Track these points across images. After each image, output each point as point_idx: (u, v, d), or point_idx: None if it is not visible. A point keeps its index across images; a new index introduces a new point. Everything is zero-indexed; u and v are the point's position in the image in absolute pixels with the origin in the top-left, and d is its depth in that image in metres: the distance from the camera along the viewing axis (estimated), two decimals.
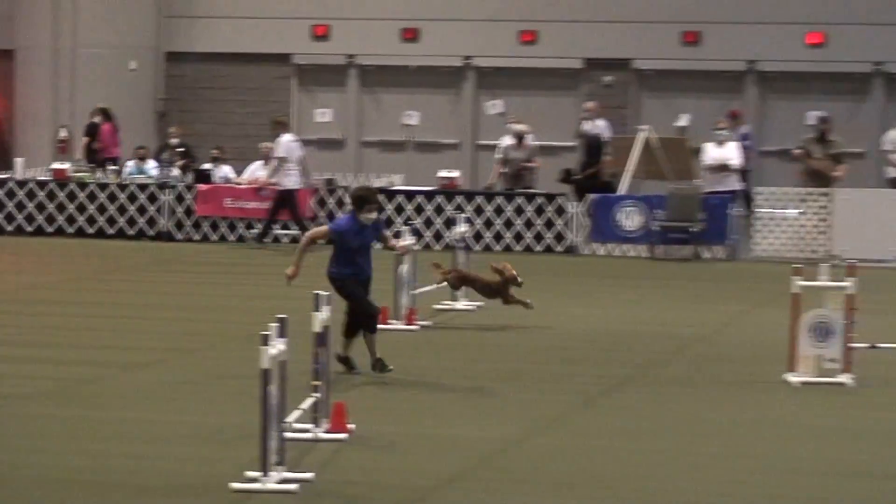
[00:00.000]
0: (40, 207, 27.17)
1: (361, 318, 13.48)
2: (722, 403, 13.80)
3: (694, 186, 25.72)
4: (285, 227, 25.21)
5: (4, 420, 11.68)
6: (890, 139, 27.95)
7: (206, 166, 28.03)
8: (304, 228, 23.07)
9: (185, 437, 11.27)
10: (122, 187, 26.95)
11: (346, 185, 27.82)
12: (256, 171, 26.35)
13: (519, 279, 15.22)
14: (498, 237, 26.55)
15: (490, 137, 30.53)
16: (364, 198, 13.82)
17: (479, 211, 26.33)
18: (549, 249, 26.18)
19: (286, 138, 24.58)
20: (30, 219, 26.93)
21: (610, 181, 26.89)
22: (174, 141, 29.09)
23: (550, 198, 26.19)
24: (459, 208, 25.13)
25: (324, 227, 14.06)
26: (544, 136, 28.89)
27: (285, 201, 24.71)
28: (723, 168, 25.41)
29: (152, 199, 26.49)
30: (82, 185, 27.06)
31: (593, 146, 27.33)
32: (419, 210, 26.03)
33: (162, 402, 12.29)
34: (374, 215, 13.63)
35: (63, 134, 30.87)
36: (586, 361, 16.47)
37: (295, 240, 25.34)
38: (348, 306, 13.44)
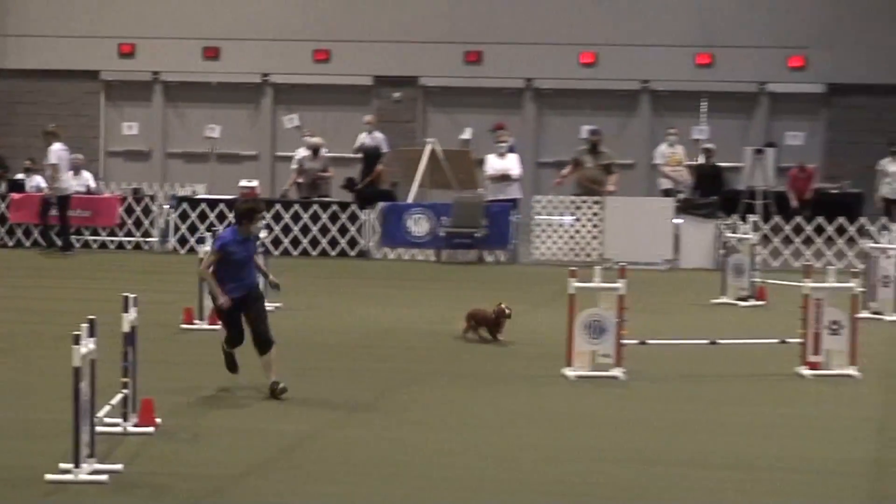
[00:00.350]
0: None
1: (254, 340, 12.89)
2: (506, 396, 13.99)
3: (477, 195, 25.91)
4: (95, 232, 24.46)
5: None
6: (660, 153, 28.57)
7: (20, 176, 27.85)
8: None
9: (1, 432, 11.15)
10: None
11: (153, 193, 27.81)
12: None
13: (507, 311, 15.40)
14: (295, 242, 26.46)
15: (287, 149, 30.81)
16: (252, 210, 13.33)
17: (277, 218, 26.15)
18: (343, 254, 26.31)
19: (56, 147, 24.13)
20: None
21: (389, 190, 27.40)
22: None
23: (344, 206, 26.28)
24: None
25: (212, 256, 13.28)
26: (337, 148, 29.10)
27: (61, 206, 24.46)
28: (504, 178, 25.57)
29: None
30: None
31: (371, 157, 27.56)
32: (221, 217, 25.51)
33: None
34: (261, 225, 13.50)
35: None
36: (378, 358, 16.45)
37: (104, 245, 26.04)
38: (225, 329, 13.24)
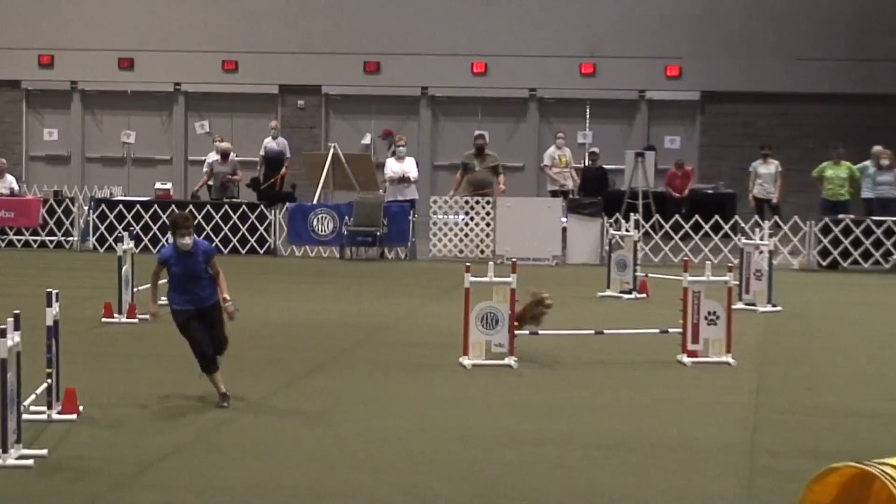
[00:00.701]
0: None
1: (197, 358, 12.46)
2: (407, 384, 14.17)
3: (377, 196, 25.98)
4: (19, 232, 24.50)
5: None
6: (548, 155, 28.65)
7: None
8: None
9: None
10: None
11: (72, 196, 27.46)
12: None
13: (546, 300, 14.65)
14: (208, 241, 26.27)
15: (198, 154, 30.86)
16: (174, 223, 12.61)
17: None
18: (252, 251, 26.27)
19: None
20: None
21: (290, 191, 27.57)
22: None
23: (253, 206, 26.19)
24: None
25: (155, 266, 12.86)
26: (245, 153, 28.87)
27: None
28: (403, 180, 25.78)
29: None
30: None
31: (274, 161, 27.54)
32: (137, 218, 25.55)
33: None
34: (187, 241, 12.13)
35: None
36: (287, 349, 16.53)
37: (28, 243, 26.06)
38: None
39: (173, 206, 25.87)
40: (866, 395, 13.83)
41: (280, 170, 27.15)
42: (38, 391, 11.07)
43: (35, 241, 25.88)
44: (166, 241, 21.80)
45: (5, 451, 9.69)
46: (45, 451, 9.98)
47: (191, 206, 25.58)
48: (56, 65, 32.54)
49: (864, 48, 31.37)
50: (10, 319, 9.78)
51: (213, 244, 24.26)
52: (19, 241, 26.13)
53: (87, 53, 32.35)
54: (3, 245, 26.46)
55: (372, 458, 10.62)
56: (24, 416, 10.28)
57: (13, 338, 9.65)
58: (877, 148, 26.30)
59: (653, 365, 15.37)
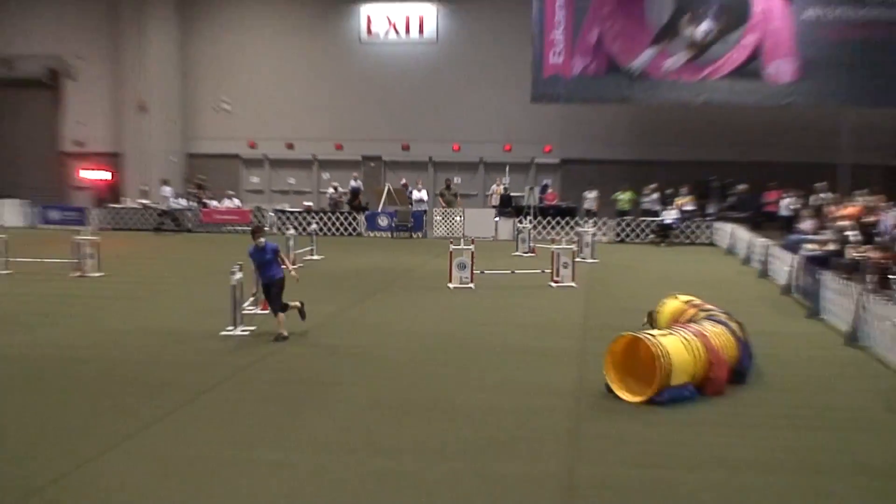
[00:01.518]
0: None
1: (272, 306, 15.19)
2: (422, 295, 19.63)
3: (408, 208, 35.06)
4: None
5: None
6: (491, 188, 36.62)
7: None
8: None
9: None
10: None
11: (264, 208, 35.88)
12: None
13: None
14: (334, 229, 33.45)
15: (323, 188, 38.49)
16: (254, 230, 15.61)
17: (323, 219, 33.44)
18: (349, 234, 33.82)
19: None
20: None
21: (366, 206, 36.29)
22: None
23: (350, 212, 34.22)
24: None
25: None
26: (345, 187, 36.48)
27: None
28: (420, 201, 35.99)
29: None
30: None
31: (355, 191, 36.64)
32: (296, 219, 33.33)
33: None
34: (260, 241, 15.21)
35: None
36: (363, 280, 22.56)
37: (243, 233, 29.58)
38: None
39: (312, 213, 34.69)
40: (637, 300, 18.45)
41: (359, 196, 36.89)
42: (251, 299, 16.17)
43: (245, 230, 31.42)
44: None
45: (235, 326, 14.98)
46: (254, 327, 15.29)
47: (320, 213, 34.56)
48: (259, 146, 41.24)
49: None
50: (237, 265, 15.18)
51: (334, 229, 31.98)
52: (238, 231, 34.20)
53: (270, 141, 41.39)
54: (230, 232, 34.47)
55: (409, 325, 16.28)
56: (243, 312, 15.45)
57: (237, 275, 15.03)
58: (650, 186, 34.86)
59: (537, 287, 20.89)
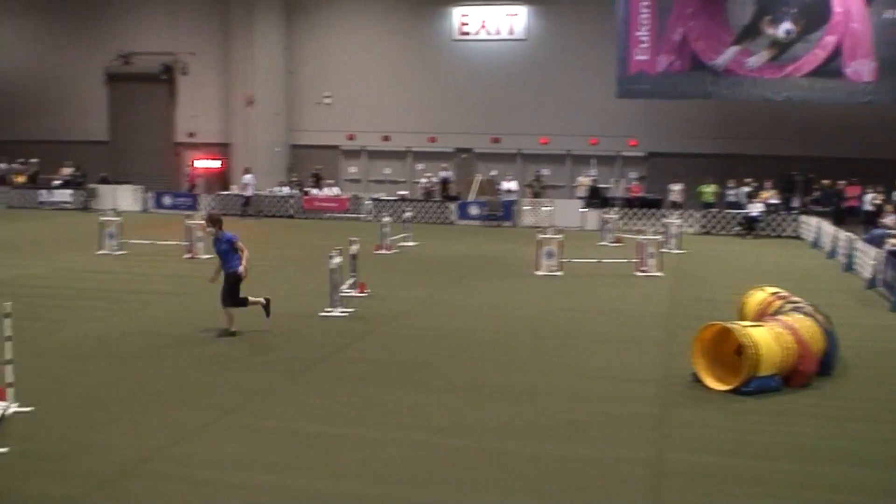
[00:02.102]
0: None
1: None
2: (512, 282, 19.87)
3: (497, 198, 35.69)
4: None
5: None
6: (578, 179, 36.37)
7: None
8: None
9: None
10: None
11: (362, 196, 36.21)
12: None
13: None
14: (422, 216, 33.82)
15: (415, 178, 39.07)
16: (207, 219, 15.15)
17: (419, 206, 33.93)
18: (441, 223, 34.02)
19: None
20: None
21: (457, 195, 36.61)
22: None
23: (442, 201, 34.49)
24: None
25: None
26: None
27: None
28: (509, 192, 36.13)
29: None
30: None
31: (445, 181, 37.32)
32: (390, 206, 33.32)
33: None
34: (214, 231, 14.44)
35: None
36: (456, 266, 22.74)
37: (337, 219, 33.82)
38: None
39: (407, 201, 34.73)
40: (723, 291, 18.70)
41: (448, 186, 37.40)
42: (349, 282, 16.95)
43: (342, 217, 35.22)
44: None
45: (333, 307, 15.54)
46: (352, 309, 15.76)
47: (414, 202, 34.84)
48: (357, 138, 41.66)
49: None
50: (336, 250, 15.65)
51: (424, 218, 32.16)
52: (337, 218, 34.88)
53: (368, 133, 41.60)
54: (330, 219, 35.26)
55: (497, 311, 16.80)
56: (341, 294, 15.84)
57: (336, 259, 15.41)
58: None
59: (622, 276, 21.05)
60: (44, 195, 39.68)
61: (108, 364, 12.60)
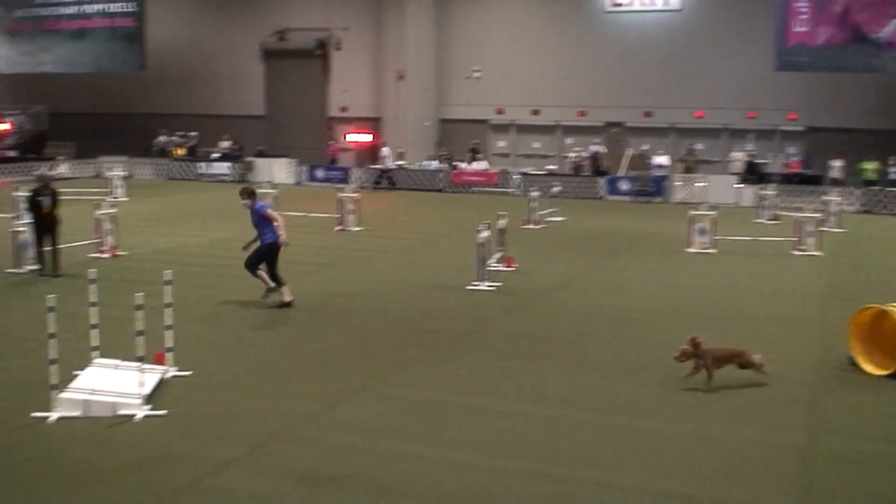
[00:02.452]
0: None
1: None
2: (662, 259, 19.90)
3: (648, 173, 35.21)
4: None
5: None
6: (731, 155, 35.04)
7: None
8: None
9: None
10: None
11: (510, 171, 36.32)
12: None
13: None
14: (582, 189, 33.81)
15: (564, 152, 38.84)
16: (241, 191, 14.96)
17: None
18: (589, 198, 33.56)
19: None
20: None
21: (606, 170, 36.09)
22: None
23: (593, 176, 34.24)
24: None
25: None
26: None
27: None
28: (660, 166, 35.59)
29: None
30: None
31: (595, 156, 36.68)
32: (540, 181, 32.90)
33: None
34: (246, 202, 14.56)
35: None
36: (606, 243, 22.65)
37: (492, 193, 33.89)
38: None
39: (555, 175, 34.66)
40: (884, 273, 18.73)
41: (599, 161, 36.40)
42: (496, 256, 17.33)
43: (490, 191, 35.34)
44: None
45: (481, 281, 15.92)
46: (499, 283, 16.07)
47: (563, 176, 34.85)
48: (506, 112, 41.49)
49: None
50: (483, 224, 16.10)
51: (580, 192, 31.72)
52: (485, 191, 35.10)
53: (517, 107, 41.56)
54: (478, 192, 35.19)
55: (646, 288, 16.69)
56: (488, 268, 16.30)
57: (484, 233, 15.91)
58: None
59: (779, 255, 20.90)
60: (202, 167, 41.05)
61: (261, 332, 13.09)
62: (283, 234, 14.05)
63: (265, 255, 14.15)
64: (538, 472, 8.03)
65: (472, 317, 13.85)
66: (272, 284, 14.17)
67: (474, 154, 38.32)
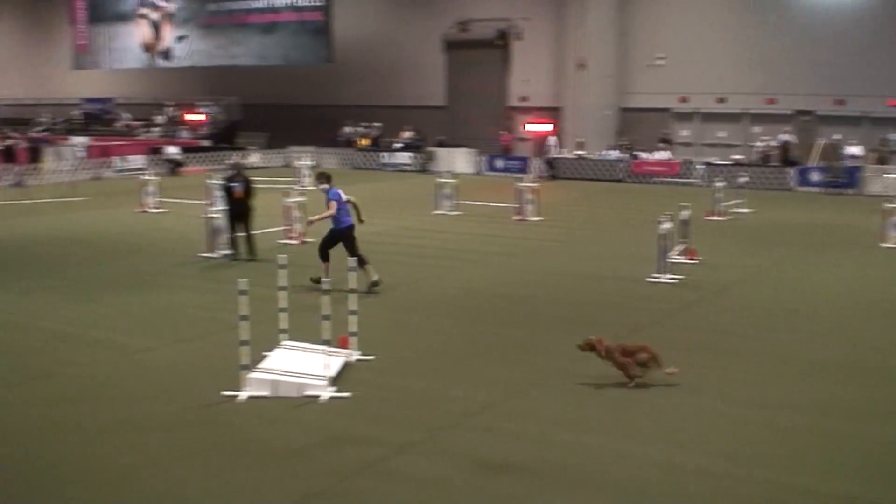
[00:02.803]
0: None
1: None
2: (852, 254, 19.43)
3: (840, 163, 33.74)
4: None
5: None
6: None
7: None
8: None
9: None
10: None
11: (692, 161, 35.73)
12: None
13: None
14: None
15: (749, 142, 37.12)
16: (317, 176, 15.90)
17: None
18: (776, 189, 32.70)
19: None
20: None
21: (795, 159, 34.86)
22: None
23: (782, 166, 33.36)
24: None
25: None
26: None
27: None
28: (855, 157, 33.76)
29: None
30: None
31: (785, 145, 35.26)
32: (726, 170, 32.45)
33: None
34: (324, 186, 15.14)
35: None
36: (776, 237, 22.13)
37: (674, 185, 33.04)
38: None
39: (742, 166, 33.39)
40: None
41: (789, 151, 35.24)
42: (678, 248, 16.93)
43: (672, 182, 34.79)
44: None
45: (661, 273, 15.59)
46: (681, 276, 15.74)
47: (749, 166, 33.41)
48: (689, 100, 40.06)
49: None
50: (666, 215, 15.98)
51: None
52: (666, 182, 34.42)
53: (701, 95, 39.39)
54: (659, 183, 34.69)
55: (832, 284, 16.17)
56: (669, 260, 15.89)
57: (666, 224, 15.84)
58: None
59: None
60: (385, 157, 42.02)
61: (441, 319, 13.34)
62: (314, 218, 14.99)
63: (335, 240, 14.75)
64: (723, 473, 7.85)
65: (651, 309, 13.70)
66: (375, 277, 14.65)
67: (664, 143, 37.64)
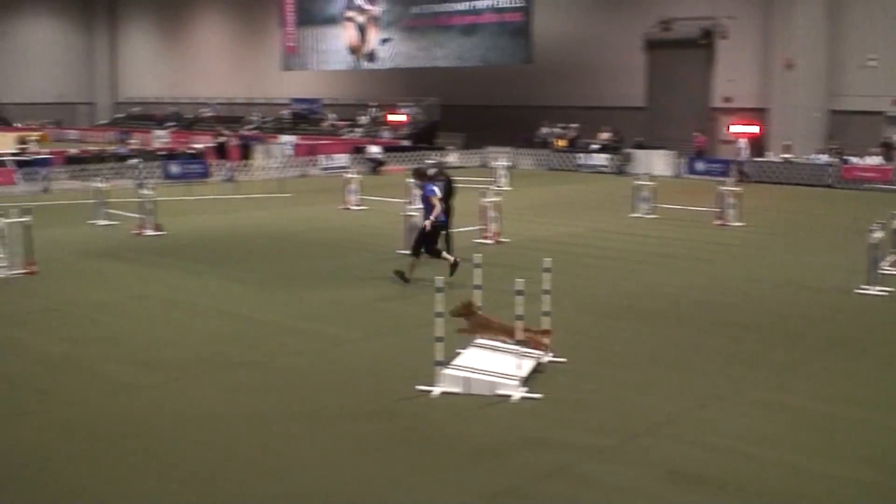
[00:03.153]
0: None
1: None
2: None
3: None
4: None
5: None
6: None
7: None
8: None
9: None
10: None
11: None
12: None
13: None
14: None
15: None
16: (413, 173, 17.02)
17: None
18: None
19: None
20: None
21: None
22: None
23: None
24: None
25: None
26: None
27: None
28: None
29: None
30: None
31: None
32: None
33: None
34: (418, 183, 16.06)
35: None
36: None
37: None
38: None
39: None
40: None
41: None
42: (890, 259, 16.57)
43: (886, 189, 32.75)
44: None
45: (871, 285, 14.89)
46: (893, 289, 14.92)
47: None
48: None
49: None
50: (877, 224, 15.33)
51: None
52: (879, 189, 33.07)
53: None
54: (871, 190, 33.25)
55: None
56: (881, 271, 15.26)
57: (877, 233, 15.03)
58: None
59: None
60: (581, 158, 42.03)
61: (633, 324, 13.25)
62: (428, 221, 15.18)
63: (424, 236, 15.24)
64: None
65: (859, 323, 13.22)
66: (452, 258, 15.33)
67: (888, 149, 35.88)
